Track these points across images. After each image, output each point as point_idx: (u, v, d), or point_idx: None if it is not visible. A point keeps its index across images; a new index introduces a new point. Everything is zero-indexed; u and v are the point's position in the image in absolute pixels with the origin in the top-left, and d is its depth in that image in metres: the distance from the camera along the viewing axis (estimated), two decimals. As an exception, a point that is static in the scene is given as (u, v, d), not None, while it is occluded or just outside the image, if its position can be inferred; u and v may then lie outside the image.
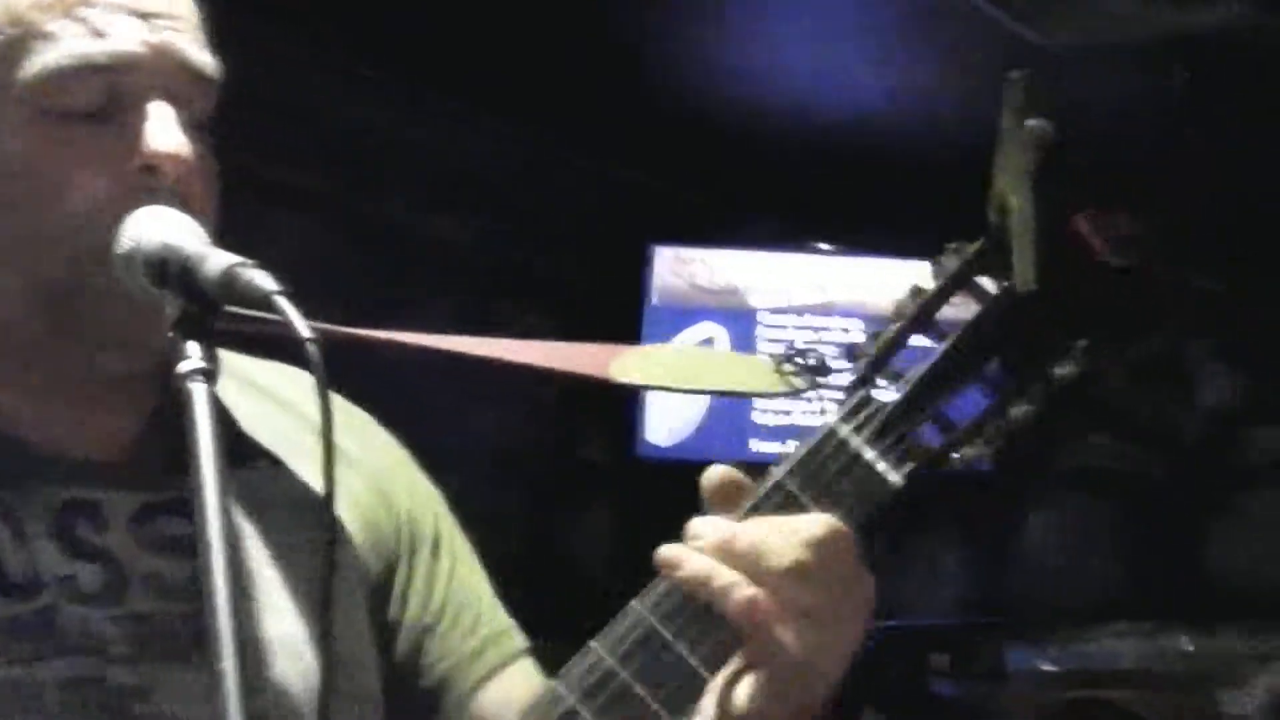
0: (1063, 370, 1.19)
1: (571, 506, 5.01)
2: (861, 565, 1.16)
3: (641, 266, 5.02)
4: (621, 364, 1.43)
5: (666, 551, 1.17)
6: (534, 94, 4.34)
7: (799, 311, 5.09)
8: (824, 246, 5.12)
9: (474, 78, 4.20)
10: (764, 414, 4.89)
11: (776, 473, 1.18)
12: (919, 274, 1.23)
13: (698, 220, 5.11)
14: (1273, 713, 2.27)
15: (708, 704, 1.20)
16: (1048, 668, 4.80)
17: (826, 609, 1.14)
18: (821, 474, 1.17)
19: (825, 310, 5.09)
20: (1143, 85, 4.13)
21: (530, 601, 1.55)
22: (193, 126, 1.26)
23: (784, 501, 1.16)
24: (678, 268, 5.10)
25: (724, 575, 1.15)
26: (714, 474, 1.20)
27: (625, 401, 4.84)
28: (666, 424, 4.98)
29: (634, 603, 1.17)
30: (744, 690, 1.18)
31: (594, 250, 4.96)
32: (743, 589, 1.14)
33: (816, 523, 1.15)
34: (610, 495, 4.92)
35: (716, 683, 1.19)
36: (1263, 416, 5.13)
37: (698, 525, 1.18)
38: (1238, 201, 4.59)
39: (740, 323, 5.12)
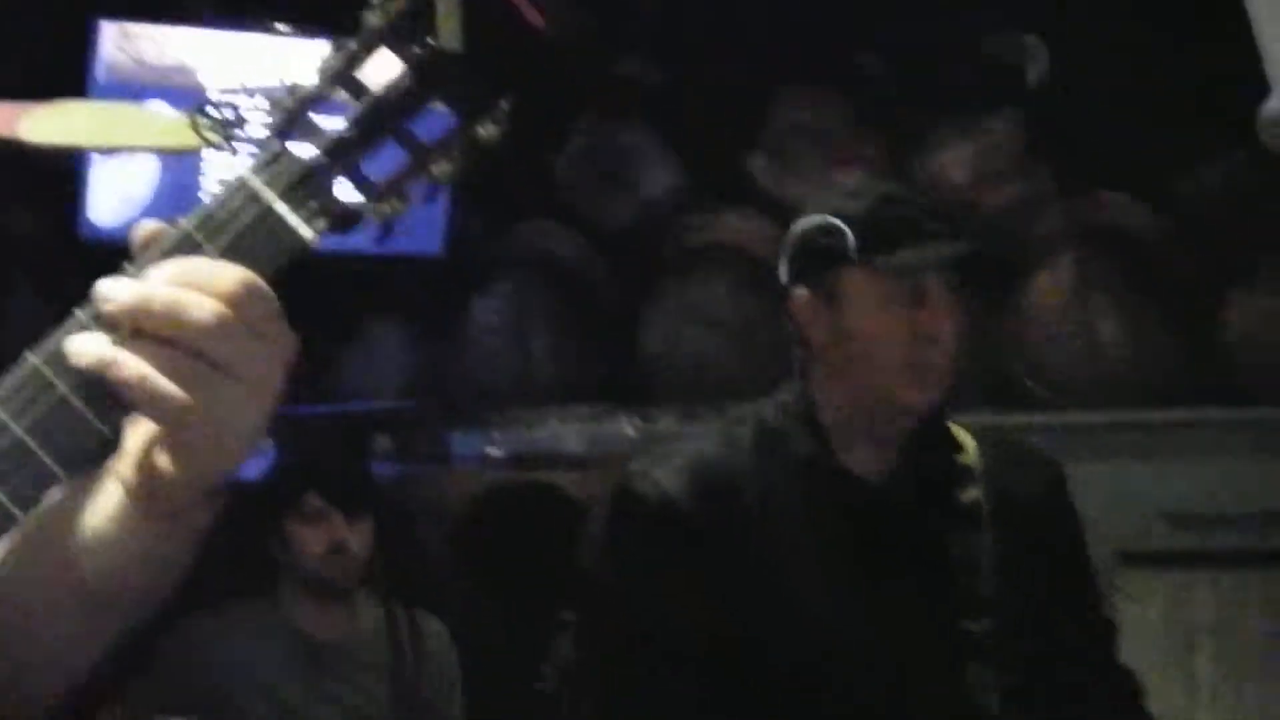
0: (485, 130, 1.19)
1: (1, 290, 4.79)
2: (280, 320, 1.14)
3: (86, 42, 4.80)
4: (32, 122, 1.35)
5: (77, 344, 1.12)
6: None
7: (251, 93, 4.97)
8: (279, 26, 5.00)
9: None
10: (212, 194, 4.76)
11: (185, 224, 1.14)
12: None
13: (146, -7, 4.91)
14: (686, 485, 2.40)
15: (121, 465, 1.17)
16: (491, 451, 4.91)
17: (241, 364, 1.11)
18: (231, 225, 1.13)
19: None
20: None
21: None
22: None
23: (192, 254, 1.13)
24: (124, 44, 4.90)
25: (128, 360, 1.11)
26: (144, 229, 1.15)
27: (65, 177, 4.65)
28: (111, 202, 4.81)
29: (30, 354, 1.12)
30: (154, 449, 1.15)
31: (35, 25, 4.70)
32: (135, 365, 1.10)
33: (232, 276, 1.11)
34: (48, 277, 4.73)
35: (128, 443, 1.16)
36: (698, 203, 5.31)
37: (106, 287, 1.13)
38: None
39: (190, 103, 4.96)
